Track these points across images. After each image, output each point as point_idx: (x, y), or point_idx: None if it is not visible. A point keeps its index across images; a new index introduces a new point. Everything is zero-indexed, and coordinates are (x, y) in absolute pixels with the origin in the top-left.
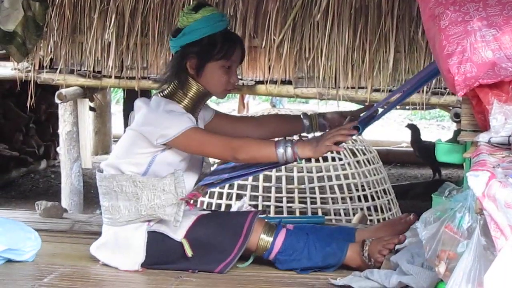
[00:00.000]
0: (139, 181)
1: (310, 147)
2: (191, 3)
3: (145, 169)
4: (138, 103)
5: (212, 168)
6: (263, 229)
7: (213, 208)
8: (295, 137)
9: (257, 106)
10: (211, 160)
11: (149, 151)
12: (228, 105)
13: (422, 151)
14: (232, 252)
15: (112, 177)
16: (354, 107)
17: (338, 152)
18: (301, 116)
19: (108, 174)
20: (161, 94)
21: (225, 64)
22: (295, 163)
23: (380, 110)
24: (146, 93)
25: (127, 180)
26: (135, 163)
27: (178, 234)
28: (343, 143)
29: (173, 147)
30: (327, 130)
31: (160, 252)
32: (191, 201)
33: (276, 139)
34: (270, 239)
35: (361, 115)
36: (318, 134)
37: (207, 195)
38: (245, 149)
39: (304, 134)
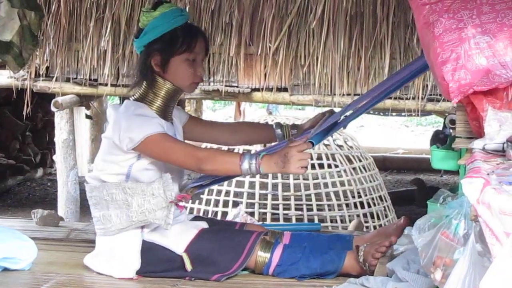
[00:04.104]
0: (128, 187)
1: (275, 166)
2: (187, 9)
3: (125, 179)
4: (109, 110)
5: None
6: (260, 246)
7: (209, 215)
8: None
9: (254, 113)
10: None
11: (123, 159)
12: (225, 112)
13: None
14: (230, 269)
15: (102, 186)
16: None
17: (334, 159)
18: (274, 127)
19: (98, 184)
20: (132, 98)
21: (189, 57)
22: None
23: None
24: None
25: (116, 188)
26: (114, 173)
27: (179, 247)
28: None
29: (142, 154)
30: (290, 145)
31: (158, 262)
32: (181, 203)
33: (242, 150)
34: (268, 255)
35: (321, 124)
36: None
37: (204, 203)
38: (210, 161)
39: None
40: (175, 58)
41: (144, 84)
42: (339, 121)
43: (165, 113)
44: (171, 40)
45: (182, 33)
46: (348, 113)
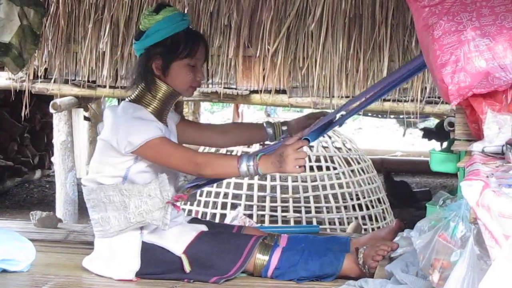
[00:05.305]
0: (125, 189)
1: (272, 166)
2: (186, 11)
3: (122, 181)
4: (106, 111)
5: None
6: (259, 249)
7: (207, 218)
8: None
9: (252, 115)
10: None
11: (120, 161)
12: (223, 114)
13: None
14: (229, 271)
15: (99, 188)
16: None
17: (332, 161)
18: (264, 125)
19: (95, 186)
20: (129, 99)
21: (190, 62)
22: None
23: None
24: None
25: (113, 190)
26: (111, 175)
27: (178, 248)
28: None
29: (140, 157)
30: (286, 143)
31: (157, 264)
32: (178, 203)
33: (240, 153)
34: (266, 257)
35: (316, 123)
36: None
37: (202, 205)
38: (209, 166)
39: (267, 142)
40: (177, 63)
41: (141, 85)
42: (334, 120)
43: (161, 116)
44: (173, 45)
45: (184, 38)
46: (343, 112)
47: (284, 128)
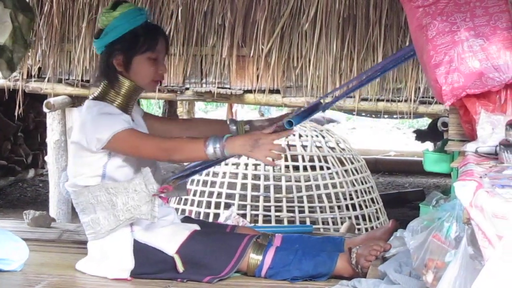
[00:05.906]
0: (111, 187)
1: (241, 148)
2: (180, 11)
3: (101, 180)
4: (75, 113)
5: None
6: (252, 248)
7: (201, 217)
8: None
9: (246, 114)
10: None
11: (94, 159)
12: (217, 114)
13: None
14: (222, 271)
15: (86, 190)
16: (342, 116)
17: (326, 161)
18: (228, 122)
19: (81, 189)
20: (92, 97)
21: (151, 56)
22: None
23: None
24: None
25: (100, 190)
26: (90, 176)
27: (170, 248)
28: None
29: (112, 151)
30: (264, 131)
31: (150, 264)
32: (164, 195)
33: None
34: (260, 257)
35: (302, 108)
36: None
37: (195, 204)
38: (178, 151)
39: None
40: (138, 57)
41: (104, 82)
42: (320, 106)
43: (125, 111)
44: (133, 40)
45: (143, 33)
46: (328, 99)
47: (247, 127)
